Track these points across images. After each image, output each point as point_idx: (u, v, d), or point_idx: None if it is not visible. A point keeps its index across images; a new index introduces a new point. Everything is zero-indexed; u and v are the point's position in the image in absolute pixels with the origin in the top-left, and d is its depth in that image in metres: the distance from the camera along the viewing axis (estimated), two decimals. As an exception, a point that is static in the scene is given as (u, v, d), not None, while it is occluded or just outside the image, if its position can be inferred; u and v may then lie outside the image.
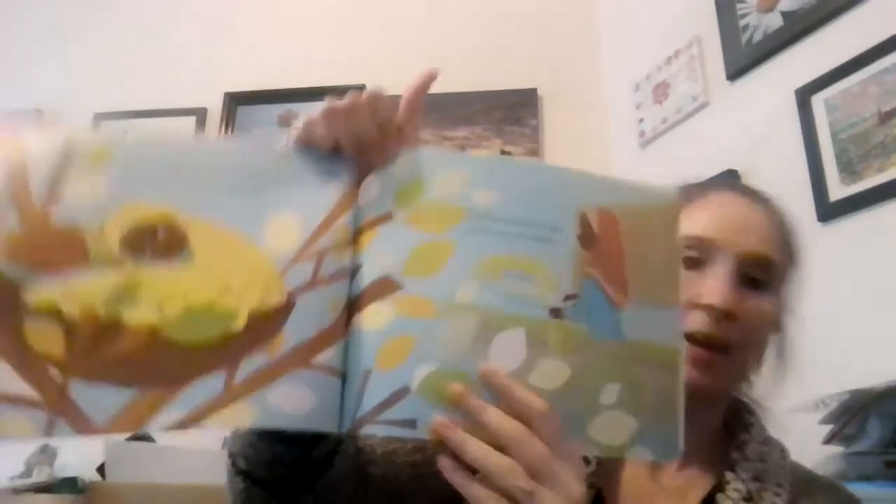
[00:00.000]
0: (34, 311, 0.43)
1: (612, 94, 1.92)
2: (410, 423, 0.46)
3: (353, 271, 0.50)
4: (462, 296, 0.48)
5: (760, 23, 1.39)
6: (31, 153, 0.46)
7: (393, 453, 0.63)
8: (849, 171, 1.15)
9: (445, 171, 0.51)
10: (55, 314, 0.43)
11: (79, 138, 0.47)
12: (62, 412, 0.42)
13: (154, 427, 0.43)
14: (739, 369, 0.62)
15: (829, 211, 1.17)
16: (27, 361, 0.42)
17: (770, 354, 0.66)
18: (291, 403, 0.46)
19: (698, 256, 0.61)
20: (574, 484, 0.44)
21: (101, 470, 1.47)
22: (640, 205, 0.51)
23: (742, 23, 1.44)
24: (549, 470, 0.43)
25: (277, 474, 0.53)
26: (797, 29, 1.29)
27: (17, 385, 0.42)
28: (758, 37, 1.39)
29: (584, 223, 0.50)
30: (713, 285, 0.59)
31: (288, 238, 0.49)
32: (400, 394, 0.46)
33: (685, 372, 0.52)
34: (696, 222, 0.63)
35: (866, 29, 1.15)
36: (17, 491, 1.42)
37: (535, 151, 1.89)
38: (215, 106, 2.08)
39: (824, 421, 0.95)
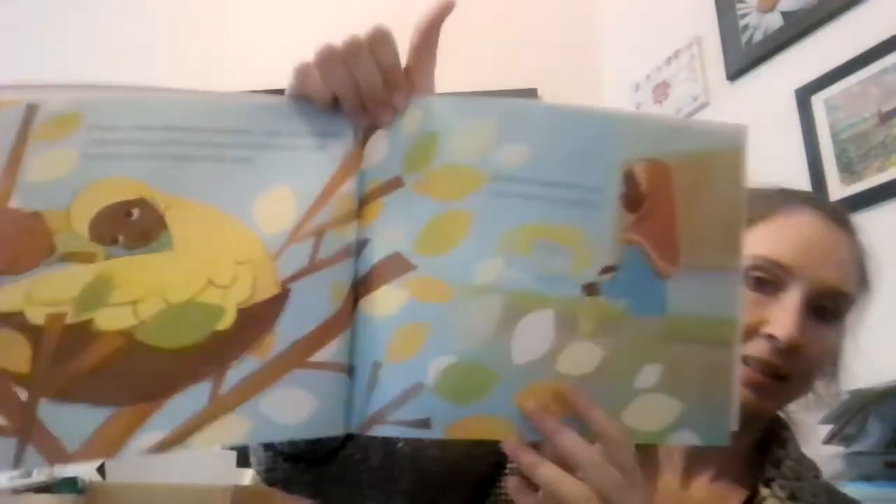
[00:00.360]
0: None
1: (612, 94, 1.92)
2: (425, 423, 0.41)
3: (359, 248, 0.43)
4: (483, 275, 0.41)
5: (760, 23, 1.39)
6: None
7: None
8: (849, 171, 1.15)
9: (465, 123, 0.43)
10: (17, 322, 0.37)
11: (44, 102, 0.39)
12: (31, 438, 0.36)
13: (131, 452, 0.37)
14: (794, 396, 0.60)
15: (829, 211, 1.17)
16: None
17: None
18: (288, 411, 0.40)
19: (768, 279, 0.57)
20: None
21: (101, 470, 1.47)
22: (698, 151, 0.43)
23: (742, 23, 1.44)
24: (621, 498, 0.41)
25: (300, 448, 0.52)
26: (797, 29, 1.29)
27: None
28: (758, 37, 1.39)
29: (630, 180, 0.42)
30: (782, 317, 0.54)
31: (281, 215, 0.41)
32: (413, 390, 0.41)
33: (745, 397, 0.50)
34: (767, 241, 0.58)
35: (866, 29, 1.15)
36: (16, 491, 1.42)
37: (535, 151, 1.89)
38: (215, 106, 2.08)
39: (824, 421, 0.95)
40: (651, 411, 0.43)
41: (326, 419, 0.41)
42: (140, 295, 0.39)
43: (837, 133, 1.18)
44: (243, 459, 1.30)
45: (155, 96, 0.41)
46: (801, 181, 1.22)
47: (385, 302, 0.42)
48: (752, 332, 0.55)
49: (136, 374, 0.38)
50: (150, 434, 0.38)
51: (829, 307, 0.57)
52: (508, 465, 0.60)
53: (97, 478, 1.47)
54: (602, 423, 0.41)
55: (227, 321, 0.40)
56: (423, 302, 0.41)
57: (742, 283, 0.45)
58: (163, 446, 0.38)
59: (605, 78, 1.96)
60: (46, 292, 0.37)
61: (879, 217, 1.09)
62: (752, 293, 0.57)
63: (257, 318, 0.40)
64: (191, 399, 0.39)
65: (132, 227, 0.39)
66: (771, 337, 0.54)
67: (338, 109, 0.44)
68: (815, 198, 0.64)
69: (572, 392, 0.42)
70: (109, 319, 0.38)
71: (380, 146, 0.44)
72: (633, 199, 0.43)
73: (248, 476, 1.32)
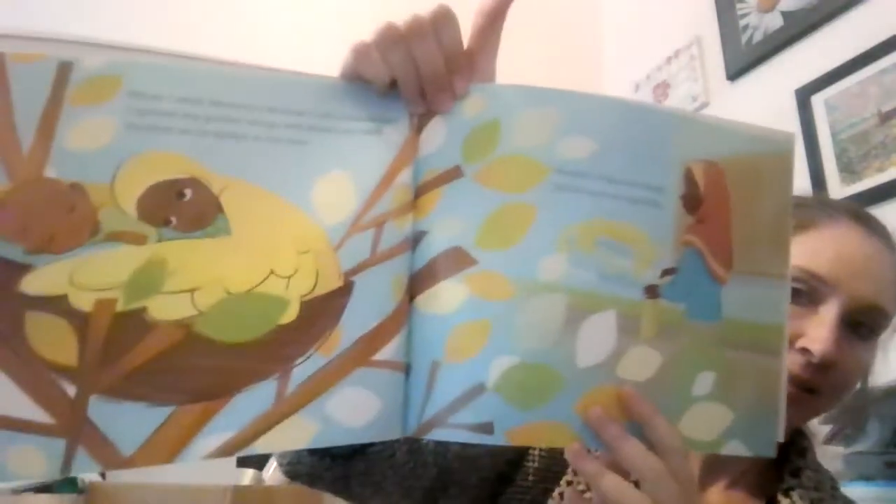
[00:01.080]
0: (35, 303, 0.33)
1: (612, 93, 1.91)
2: (487, 428, 0.39)
3: (415, 241, 0.41)
4: (547, 272, 0.39)
5: (760, 23, 1.39)
6: (16, 84, 0.34)
7: None
8: (849, 171, 1.15)
9: (528, 112, 0.41)
10: (63, 308, 0.33)
11: (77, 61, 0.35)
12: (81, 440, 0.33)
13: (193, 456, 0.34)
14: (822, 410, 0.59)
15: (829, 211, 1.17)
16: (32, 373, 0.33)
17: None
18: (354, 412, 0.38)
19: (806, 290, 0.55)
20: None
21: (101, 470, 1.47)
22: (749, 155, 0.43)
23: (742, 23, 1.44)
24: None
25: None
26: (797, 29, 1.29)
27: (23, 405, 0.33)
28: (758, 37, 1.39)
29: (690, 181, 0.41)
30: (819, 332, 0.53)
31: (340, 203, 0.39)
32: (474, 391, 0.39)
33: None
34: (806, 253, 0.56)
35: (866, 29, 1.15)
36: (16, 491, 1.42)
37: (535, 151, 1.89)
38: (215, 106, 2.08)
39: (824, 421, 0.95)
40: (706, 420, 0.42)
41: (387, 422, 0.39)
42: (198, 283, 0.35)
43: (837, 133, 1.18)
44: (243, 459, 1.30)
45: (200, 66, 0.38)
46: (801, 181, 1.22)
47: (444, 298, 0.40)
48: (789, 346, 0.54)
49: (195, 370, 0.35)
50: (214, 437, 0.35)
51: (866, 322, 0.55)
52: (567, 473, 0.59)
53: (97, 478, 1.47)
54: (665, 432, 0.40)
55: (291, 314, 0.37)
56: (485, 299, 0.39)
57: (788, 291, 0.45)
58: (227, 450, 0.35)
59: (605, 78, 1.96)
60: (93, 276, 0.34)
61: (879, 217, 1.09)
62: (790, 305, 0.55)
63: (322, 312, 0.38)
64: (256, 398, 0.36)
65: (186, 207, 0.36)
66: (805, 351, 0.53)
67: (394, 93, 0.41)
68: (856, 209, 0.63)
69: (636, 398, 0.40)
70: (165, 308, 0.35)
71: (438, 133, 0.41)
72: (692, 200, 0.42)
73: (248, 476, 1.32)
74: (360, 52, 0.41)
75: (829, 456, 0.92)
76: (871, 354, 0.59)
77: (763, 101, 1.36)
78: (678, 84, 1.62)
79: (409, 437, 0.40)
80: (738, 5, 1.46)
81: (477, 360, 0.39)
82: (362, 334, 0.38)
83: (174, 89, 0.36)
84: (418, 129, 0.41)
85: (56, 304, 0.33)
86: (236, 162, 0.37)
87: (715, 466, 0.62)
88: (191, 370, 0.35)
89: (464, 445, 0.58)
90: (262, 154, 0.38)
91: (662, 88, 1.68)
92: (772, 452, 0.44)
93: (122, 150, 0.35)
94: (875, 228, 0.61)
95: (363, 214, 0.39)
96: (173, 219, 0.35)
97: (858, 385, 0.60)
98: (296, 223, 0.38)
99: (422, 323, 0.40)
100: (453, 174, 0.41)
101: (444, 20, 0.41)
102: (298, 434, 0.37)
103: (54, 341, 0.33)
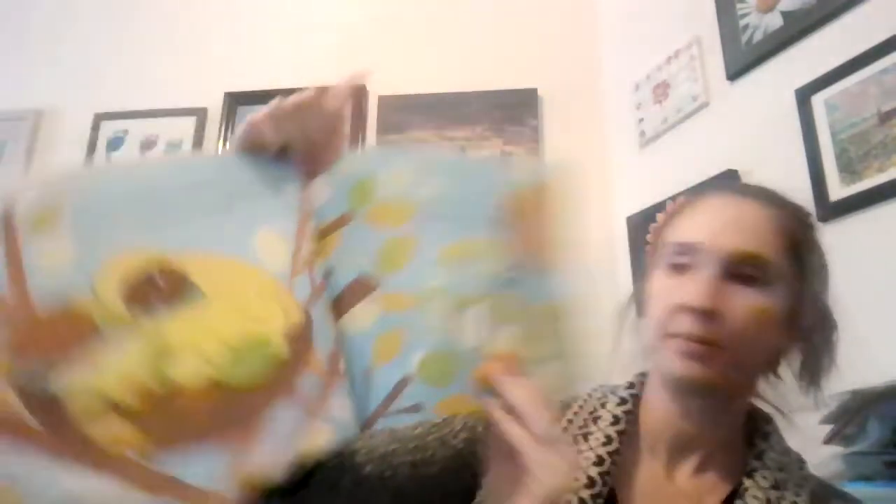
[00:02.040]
0: (84, 409, 0.38)
1: (612, 94, 1.92)
2: (416, 408, 0.50)
3: (326, 276, 0.51)
4: (432, 283, 0.51)
5: (760, 23, 1.39)
6: None
7: (392, 453, 0.63)
8: (849, 171, 1.15)
9: (392, 167, 0.53)
10: (107, 404, 0.39)
11: (10, 205, 0.40)
12: (165, 490, 0.39)
13: (265, 478, 0.42)
14: (736, 364, 0.61)
15: (829, 211, 1.16)
16: (103, 459, 0.38)
17: (794, 361, 0.66)
18: (344, 413, 0.48)
19: (687, 261, 0.62)
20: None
21: (101, 470, 1.47)
22: (537, 182, 0.56)
23: (742, 23, 1.44)
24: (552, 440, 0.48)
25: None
26: (797, 29, 1.29)
27: (105, 483, 0.38)
28: (758, 37, 1.39)
29: (504, 207, 0.54)
30: (692, 287, 0.60)
31: (277, 252, 0.48)
32: (403, 383, 0.50)
33: (683, 366, 0.59)
34: (685, 228, 0.65)
35: (866, 29, 1.15)
36: (17, 491, 1.42)
37: (535, 151, 1.89)
38: (215, 106, 2.08)
39: (824, 421, 0.95)
40: (551, 374, 0.53)
41: (354, 420, 0.48)
42: (199, 344, 0.42)
43: (837, 133, 1.18)
44: None
45: (118, 170, 0.47)
46: (801, 181, 1.22)
47: (361, 318, 0.50)
48: (676, 311, 0.61)
49: (233, 413, 0.42)
50: (273, 456, 0.43)
51: (750, 273, 0.60)
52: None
53: (97, 478, 1.47)
54: (517, 391, 0.49)
55: (281, 347, 0.45)
56: (393, 312, 0.50)
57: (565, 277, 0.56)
58: (292, 462, 0.43)
59: (605, 78, 1.96)
60: (115, 368, 0.40)
61: (879, 217, 1.09)
62: (673, 278, 0.63)
63: (301, 340, 0.46)
64: (288, 419, 0.44)
65: (162, 289, 0.43)
66: (688, 308, 0.60)
67: (285, 157, 0.51)
68: (739, 183, 0.69)
69: (492, 369, 0.50)
70: (186, 373, 0.41)
71: (326, 188, 0.52)
72: (509, 219, 0.54)
73: None
74: (257, 126, 0.50)
75: (830, 456, 0.92)
76: (773, 302, 0.61)
77: (763, 101, 1.36)
78: (678, 84, 1.62)
79: (365, 429, 0.50)
80: (738, 5, 1.46)
81: (398, 359, 0.50)
82: (328, 352, 0.48)
83: (111, 196, 0.43)
84: (306, 186, 0.52)
85: (102, 403, 0.39)
86: (183, 237, 0.44)
87: (682, 448, 0.65)
88: (229, 412, 0.42)
89: (413, 465, 0.63)
90: (202, 225, 0.45)
91: (662, 88, 1.67)
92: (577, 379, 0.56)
93: (89, 261, 0.41)
94: (757, 192, 0.67)
95: (296, 259, 0.48)
96: (155, 301, 0.42)
97: (762, 332, 0.62)
98: (252, 275, 0.46)
99: (349, 341, 0.50)
100: (347, 219, 0.51)
101: (324, 98, 0.51)
102: (324, 438, 0.46)
103: (113, 431, 0.39)
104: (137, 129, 2.10)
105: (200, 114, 2.09)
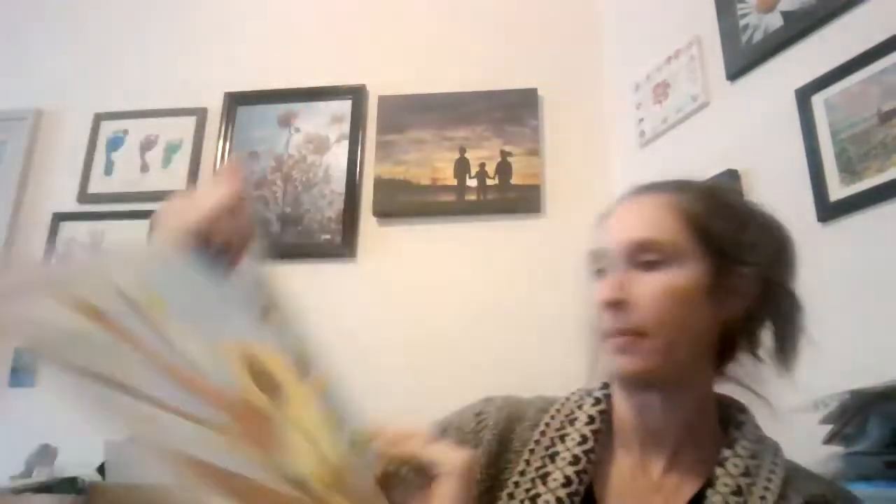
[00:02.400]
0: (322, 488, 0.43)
1: (612, 94, 1.92)
2: None
3: None
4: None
5: (760, 23, 1.39)
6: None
7: None
8: (849, 171, 1.15)
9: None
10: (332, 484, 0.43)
11: (122, 289, 0.40)
12: None
13: None
14: (665, 346, 0.62)
15: (829, 211, 1.16)
16: None
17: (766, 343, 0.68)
18: None
19: (602, 267, 0.67)
20: None
21: (101, 470, 1.47)
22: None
23: (742, 23, 1.44)
24: None
25: None
26: (797, 29, 1.29)
27: None
28: (758, 37, 1.39)
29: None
30: (600, 286, 0.65)
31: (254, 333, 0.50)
32: None
33: (619, 363, 0.62)
34: (597, 238, 0.69)
35: (866, 29, 1.15)
36: (16, 491, 1.42)
37: (535, 151, 1.89)
38: (215, 106, 2.08)
39: (824, 421, 0.95)
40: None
41: None
42: (313, 432, 0.47)
43: (837, 133, 1.18)
44: None
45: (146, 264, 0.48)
46: (801, 181, 1.22)
47: None
48: (599, 312, 0.65)
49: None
50: None
51: (651, 258, 0.63)
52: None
53: (97, 478, 1.47)
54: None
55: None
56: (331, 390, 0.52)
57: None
58: None
59: (605, 78, 1.96)
60: (327, 452, 0.46)
61: (879, 217, 1.09)
62: (596, 283, 0.67)
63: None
64: None
65: (269, 378, 0.45)
66: (601, 305, 0.64)
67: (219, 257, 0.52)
68: (647, 183, 0.71)
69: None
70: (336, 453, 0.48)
71: (245, 282, 0.53)
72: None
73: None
74: (211, 220, 0.52)
75: (829, 456, 0.92)
76: (674, 277, 0.63)
77: (763, 101, 1.36)
78: (678, 84, 1.62)
79: None
80: (738, 5, 1.46)
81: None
82: None
83: (194, 296, 0.46)
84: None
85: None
86: (234, 330, 0.46)
87: (652, 444, 0.67)
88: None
89: None
90: (240, 321, 0.48)
91: (662, 88, 1.68)
92: None
93: (213, 350, 0.43)
94: (652, 187, 0.70)
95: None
96: (270, 391, 0.44)
97: (678, 309, 0.63)
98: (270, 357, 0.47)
99: None
100: (272, 310, 0.52)
101: (243, 201, 0.55)
102: None
103: None
104: (137, 129, 2.10)
105: (200, 114, 2.09)
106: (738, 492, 0.60)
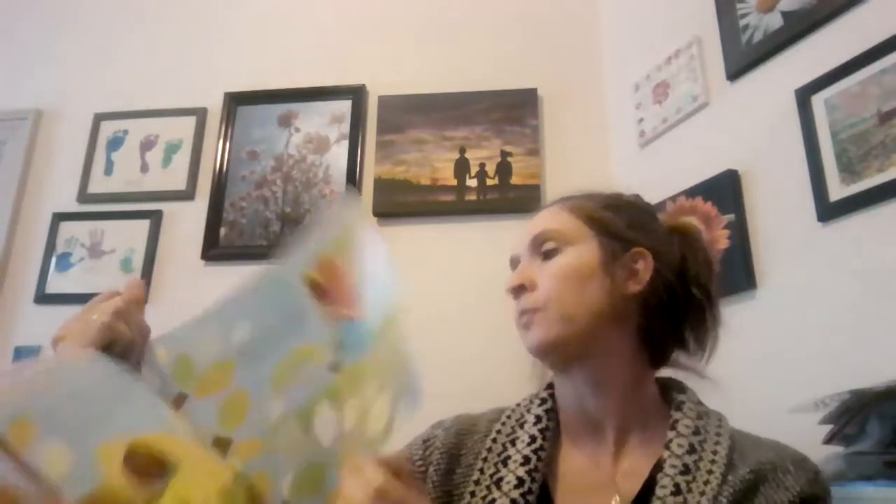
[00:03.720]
0: None
1: (612, 94, 1.92)
2: None
3: None
4: (274, 416, 0.56)
5: (760, 23, 1.39)
6: None
7: None
8: (849, 171, 1.15)
9: (199, 338, 0.58)
10: None
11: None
12: None
13: None
14: (563, 314, 0.69)
15: (829, 211, 1.16)
16: None
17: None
18: None
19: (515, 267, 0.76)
20: None
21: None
22: (336, 239, 0.61)
23: (742, 23, 1.44)
24: None
25: None
26: (797, 29, 1.29)
27: None
28: (758, 37, 1.39)
29: (311, 283, 0.59)
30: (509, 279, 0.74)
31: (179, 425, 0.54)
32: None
33: (525, 338, 0.70)
34: (515, 246, 0.77)
35: (866, 29, 1.15)
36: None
37: (535, 151, 1.89)
38: (215, 106, 2.08)
39: (824, 421, 0.95)
40: (379, 415, 0.57)
41: None
42: None
43: (837, 133, 1.18)
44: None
45: (30, 380, 0.51)
46: (801, 181, 1.22)
47: (233, 468, 0.54)
48: (512, 301, 0.73)
49: None
50: None
51: (549, 247, 0.73)
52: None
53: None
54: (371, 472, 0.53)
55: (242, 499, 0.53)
56: (253, 458, 0.55)
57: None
58: None
59: (605, 78, 1.96)
60: None
61: (879, 217, 1.09)
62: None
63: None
64: None
65: (152, 467, 0.49)
66: (509, 292, 0.73)
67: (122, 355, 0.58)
68: (558, 198, 0.81)
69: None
70: None
71: (152, 377, 0.57)
72: (319, 292, 0.59)
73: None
74: (112, 325, 0.59)
75: (829, 456, 0.92)
76: (569, 257, 0.72)
77: (763, 101, 1.36)
78: (678, 84, 1.62)
79: None
80: (738, 5, 1.46)
81: (273, 495, 0.54)
82: None
83: (55, 400, 0.48)
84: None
85: None
86: (127, 424, 0.49)
87: (595, 433, 0.70)
88: None
89: None
90: (130, 413, 0.50)
91: (662, 88, 1.68)
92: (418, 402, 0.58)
93: (86, 456, 0.46)
94: (561, 198, 0.80)
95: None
96: (152, 478, 0.48)
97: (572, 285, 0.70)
98: (187, 444, 0.52)
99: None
100: (182, 400, 0.56)
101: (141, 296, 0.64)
102: None
103: None
104: (137, 129, 2.10)
105: (200, 114, 2.09)
106: (685, 470, 0.61)
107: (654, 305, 0.71)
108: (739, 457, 0.63)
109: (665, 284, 0.72)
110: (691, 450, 0.63)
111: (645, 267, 0.72)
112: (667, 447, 0.64)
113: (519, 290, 0.72)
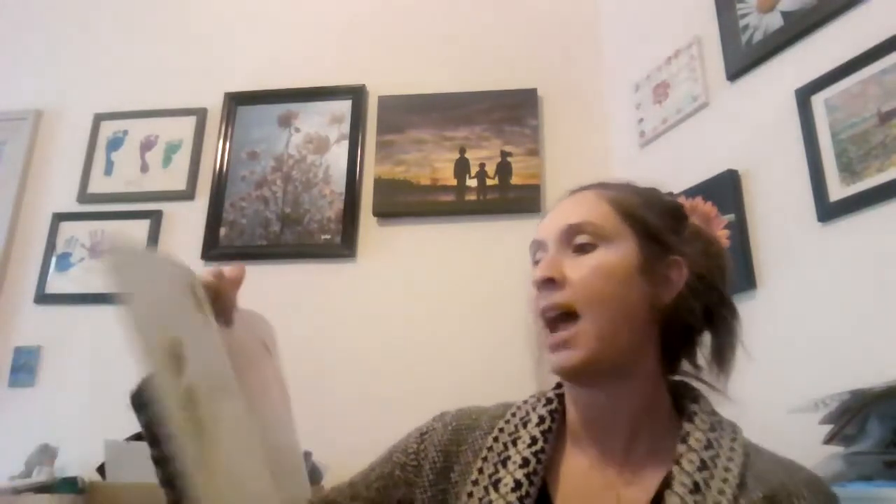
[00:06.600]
0: None
1: (612, 94, 1.92)
2: None
3: None
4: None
5: (760, 23, 1.39)
6: None
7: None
8: (849, 171, 1.15)
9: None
10: None
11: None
12: None
13: None
14: (597, 329, 0.63)
15: (829, 211, 1.16)
16: None
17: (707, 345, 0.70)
18: None
19: (539, 257, 0.69)
20: None
21: (101, 470, 1.47)
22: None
23: (742, 23, 1.44)
24: None
25: None
26: (797, 29, 1.29)
27: None
28: (758, 37, 1.39)
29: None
30: (536, 269, 0.67)
31: None
32: None
33: (556, 359, 0.63)
34: (538, 231, 0.71)
35: (866, 29, 1.15)
36: (17, 491, 1.42)
37: (535, 152, 1.89)
38: (215, 106, 2.09)
39: (824, 421, 0.95)
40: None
41: None
42: None
43: (837, 133, 1.18)
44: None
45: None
46: (801, 181, 1.22)
47: None
48: (535, 292, 0.67)
49: None
50: None
51: (586, 241, 0.66)
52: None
53: (97, 478, 1.47)
54: None
55: None
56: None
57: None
58: None
59: (605, 78, 1.96)
60: None
61: (879, 217, 1.09)
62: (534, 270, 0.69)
63: None
64: None
65: None
66: (535, 284, 0.66)
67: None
68: (585, 184, 0.74)
69: None
70: None
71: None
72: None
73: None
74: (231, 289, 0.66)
75: (829, 456, 0.92)
76: (606, 255, 0.65)
77: (763, 101, 1.36)
78: (678, 84, 1.62)
79: None
80: (738, 5, 1.46)
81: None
82: None
83: None
84: None
85: None
86: None
87: (604, 440, 0.67)
88: None
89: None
90: None
91: (662, 88, 1.68)
92: None
93: None
94: (592, 185, 0.73)
95: None
96: None
97: (609, 287, 0.64)
98: None
99: None
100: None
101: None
102: None
103: None
104: (137, 129, 2.10)
105: (200, 114, 2.09)
106: (695, 489, 0.58)
107: (678, 318, 0.67)
108: (752, 476, 0.60)
109: (694, 296, 0.67)
110: (702, 466, 0.60)
111: (679, 277, 0.67)
112: (677, 462, 0.61)
113: (547, 284, 0.65)
